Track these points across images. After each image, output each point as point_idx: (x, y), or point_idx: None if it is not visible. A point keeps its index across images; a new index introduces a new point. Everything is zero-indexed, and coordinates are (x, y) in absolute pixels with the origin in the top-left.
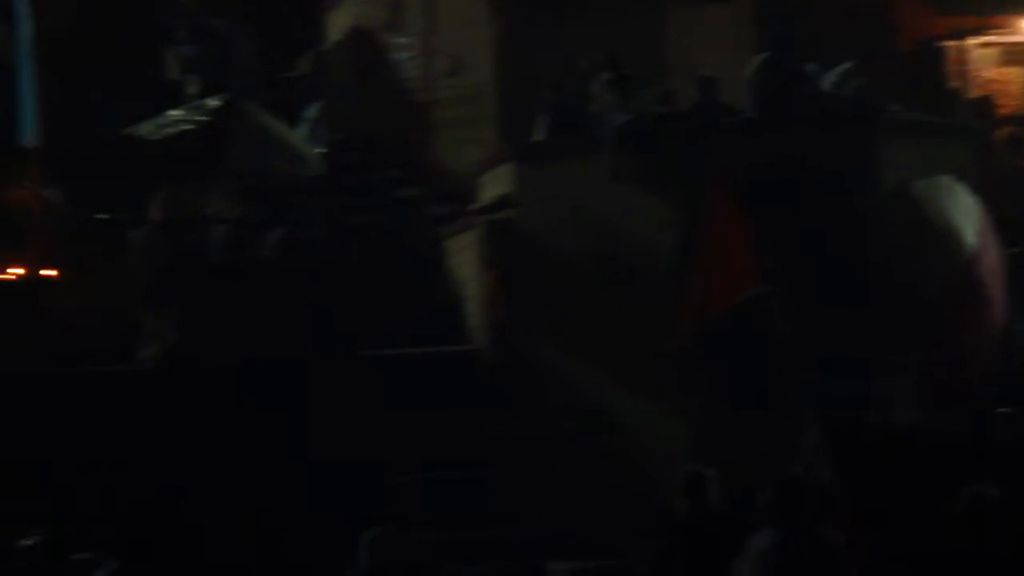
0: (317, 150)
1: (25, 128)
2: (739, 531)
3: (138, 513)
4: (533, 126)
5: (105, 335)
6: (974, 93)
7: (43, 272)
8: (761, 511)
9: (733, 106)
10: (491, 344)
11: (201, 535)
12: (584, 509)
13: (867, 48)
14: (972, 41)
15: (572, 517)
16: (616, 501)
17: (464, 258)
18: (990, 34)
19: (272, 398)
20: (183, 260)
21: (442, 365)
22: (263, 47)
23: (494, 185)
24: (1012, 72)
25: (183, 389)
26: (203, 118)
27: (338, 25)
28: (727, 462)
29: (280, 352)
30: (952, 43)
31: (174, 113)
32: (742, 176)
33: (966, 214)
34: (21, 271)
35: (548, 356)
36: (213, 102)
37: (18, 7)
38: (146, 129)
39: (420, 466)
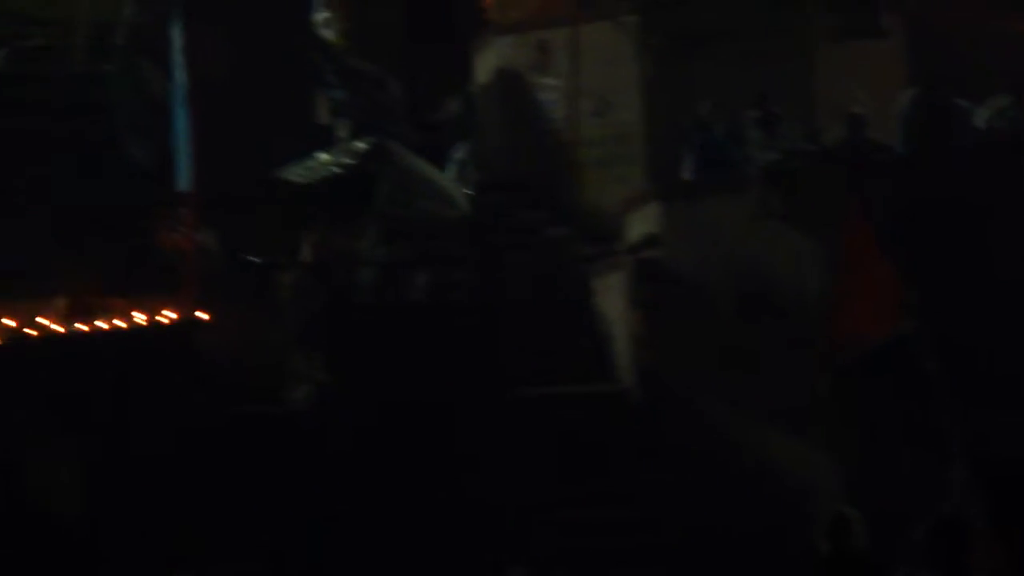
0: (465, 191)
1: (180, 173)
2: (882, 572)
3: (289, 550)
4: (680, 164)
5: (256, 377)
6: None
7: (195, 315)
8: (913, 551)
9: (882, 142)
10: (639, 383)
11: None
12: (729, 549)
13: (1019, 81)
14: None
15: (717, 556)
16: (761, 541)
17: (611, 297)
18: None
19: (421, 438)
20: (333, 302)
21: (590, 404)
22: (412, 90)
23: (641, 224)
24: None
25: (334, 430)
26: (351, 161)
27: (485, 67)
28: (875, 500)
29: (429, 393)
30: None
31: (323, 156)
32: (891, 212)
33: None
34: (174, 315)
35: (695, 395)
36: (361, 145)
37: (174, 55)
38: (295, 172)
39: (567, 505)
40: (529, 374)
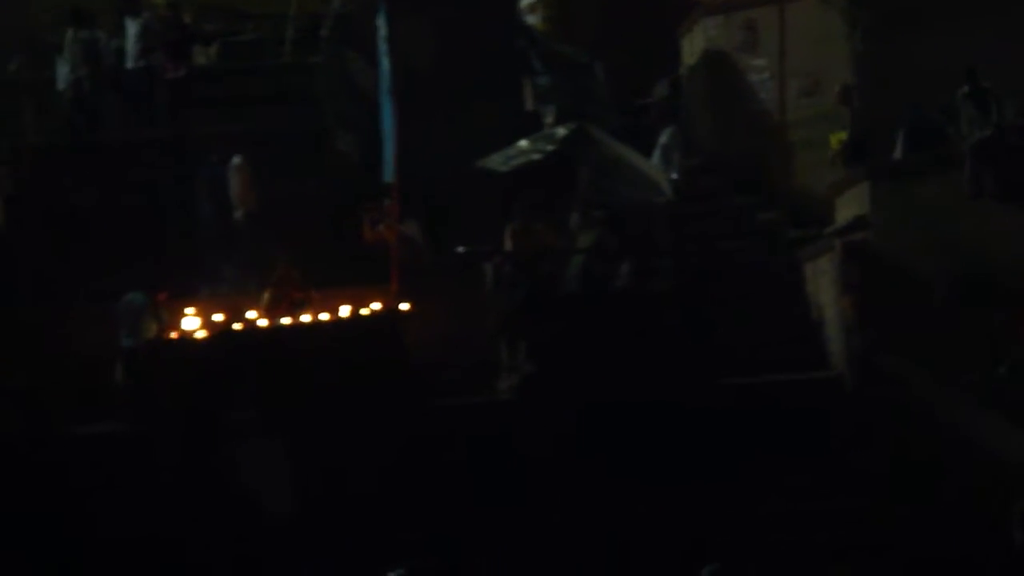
0: (671, 176)
1: (385, 164)
2: None
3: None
4: (890, 144)
5: (461, 368)
6: None
7: (400, 306)
8: None
9: None
10: (850, 369)
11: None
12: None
13: None
14: None
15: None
16: (976, 531)
17: (822, 282)
18: None
19: (629, 428)
20: (537, 291)
21: (801, 392)
22: (618, 74)
23: (850, 206)
24: None
25: (539, 420)
26: (551, 147)
27: (693, 49)
28: None
29: (636, 382)
30: None
31: (523, 143)
32: None
33: None
34: (379, 305)
35: (907, 379)
36: (561, 130)
37: (379, 46)
38: (496, 160)
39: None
40: (739, 362)
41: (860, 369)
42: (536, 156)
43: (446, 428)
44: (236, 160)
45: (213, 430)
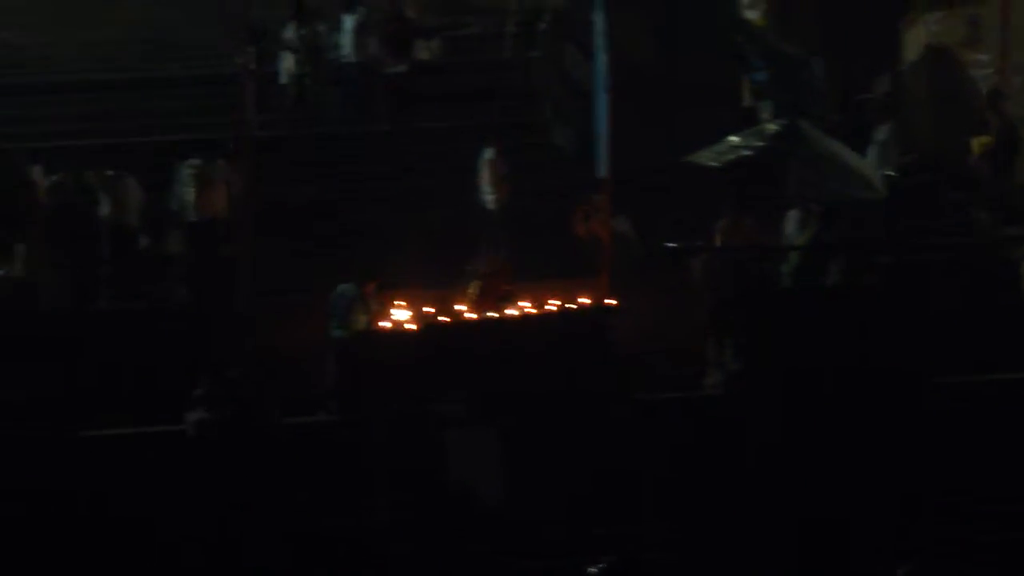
0: (887, 173)
1: (599, 159)
2: None
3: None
4: None
5: (671, 363)
6: None
7: (606, 301)
8: None
9: None
10: None
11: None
12: None
13: None
14: None
15: None
16: None
17: None
18: None
19: (839, 425)
20: (746, 288)
21: (1006, 392)
22: (838, 69)
23: None
24: None
25: (746, 417)
26: (761, 143)
27: (914, 44)
28: None
29: (845, 379)
30: None
31: (734, 139)
32: None
33: None
34: (587, 300)
35: None
36: (772, 126)
37: (596, 40)
38: (707, 156)
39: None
40: (952, 360)
41: None
42: (747, 152)
43: (651, 423)
44: (488, 153)
45: (423, 420)
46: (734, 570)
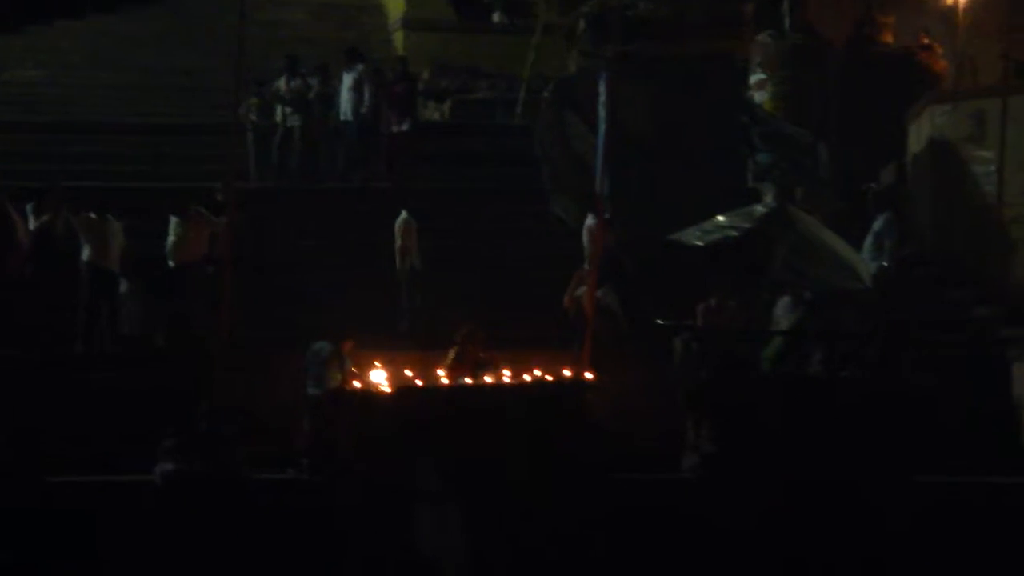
0: (882, 264)
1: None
2: None
3: None
4: None
5: (645, 442)
6: None
7: (586, 375)
8: None
9: None
10: None
11: None
12: None
13: None
14: None
15: None
16: None
17: None
18: None
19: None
20: (723, 370)
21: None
22: (843, 156)
23: None
24: None
25: (722, 503)
26: (748, 224)
27: (920, 136)
28: None
29: (823, 471)
30: None
31: (721, 219)
32: None
33: None
34: (568, 372)
35: None
36: (760, 208)
37: (599, 109)
38: (692, 235)
39: None
40: (931, 460)
41: None
42: (733, 232)
43: (626, 502)
44: (403, 215)
45: (391, 488)
46: None
